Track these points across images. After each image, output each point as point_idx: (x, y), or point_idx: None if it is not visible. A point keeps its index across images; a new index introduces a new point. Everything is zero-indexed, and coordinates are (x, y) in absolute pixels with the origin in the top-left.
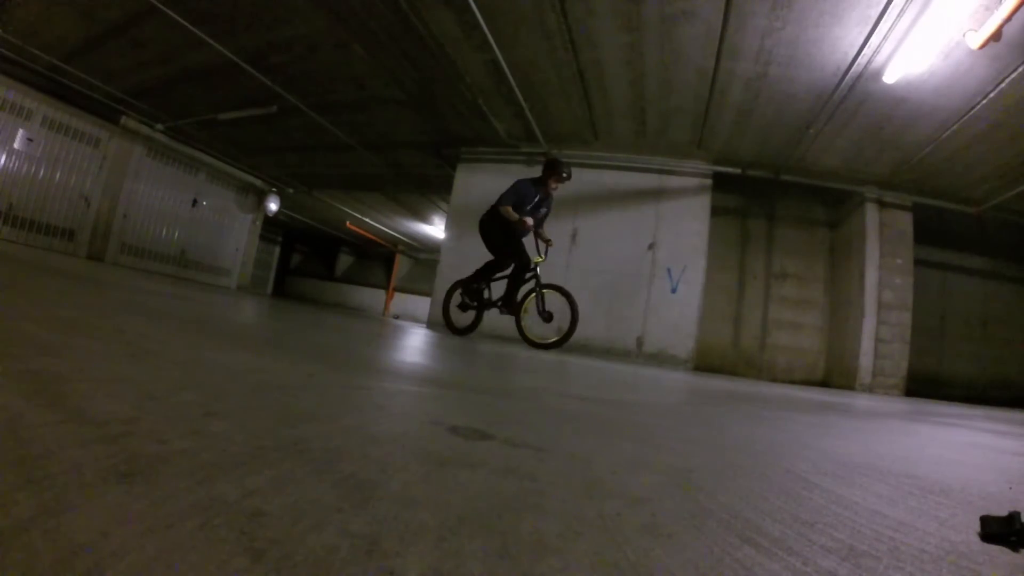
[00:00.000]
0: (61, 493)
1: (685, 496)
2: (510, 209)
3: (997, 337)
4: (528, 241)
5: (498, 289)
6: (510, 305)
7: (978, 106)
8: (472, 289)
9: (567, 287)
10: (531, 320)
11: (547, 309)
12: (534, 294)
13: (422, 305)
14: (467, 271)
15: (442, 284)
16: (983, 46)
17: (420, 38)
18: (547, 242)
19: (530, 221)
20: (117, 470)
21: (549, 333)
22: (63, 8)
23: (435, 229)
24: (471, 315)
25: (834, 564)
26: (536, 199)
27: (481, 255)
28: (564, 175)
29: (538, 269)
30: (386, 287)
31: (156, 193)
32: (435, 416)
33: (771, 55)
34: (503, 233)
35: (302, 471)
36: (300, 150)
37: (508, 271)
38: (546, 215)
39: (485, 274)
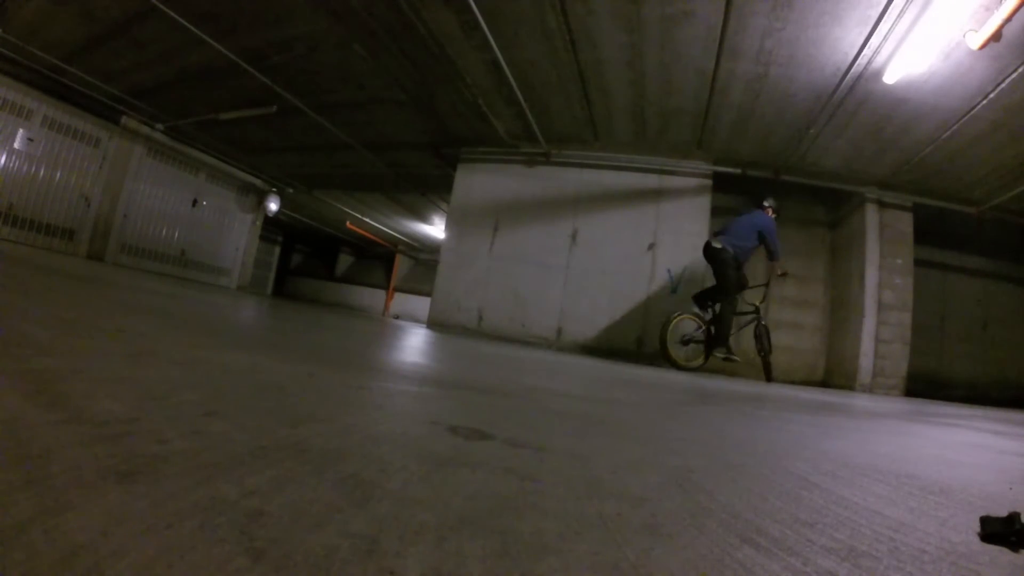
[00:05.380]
0: (61, 493)
1: (685, 496)
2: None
3: (997, 337)
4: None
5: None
6: (726, 340)
7: (978, 106)
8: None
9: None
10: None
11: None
12: (760, 336)
13: (422, 305)
14: (468, 271)
15: (443, 284)
16: (983, 46)
17: (420, 38)
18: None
19: (780, 269)
20: (117, 470)
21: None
22: (63, 8)
23: (435, 229)
24: (696, 351)
25: (834, 564)
26: None
27: (483, 254)
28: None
29: (760, 308)
30: (386, 287)
31: (156, 193)
32: (435, 416)
33: (771, 55)
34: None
35: (302, 471)
36: (300, 150)
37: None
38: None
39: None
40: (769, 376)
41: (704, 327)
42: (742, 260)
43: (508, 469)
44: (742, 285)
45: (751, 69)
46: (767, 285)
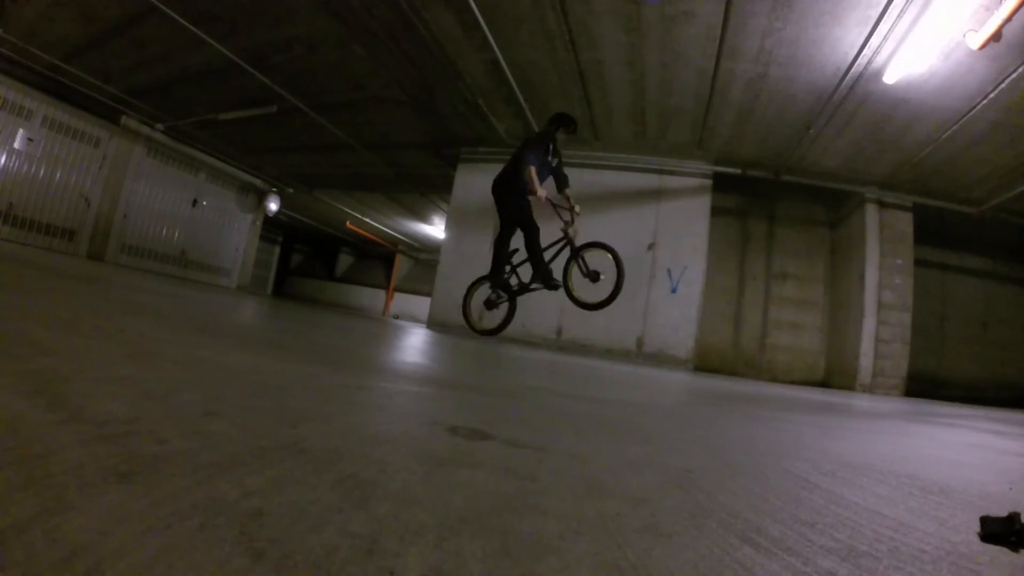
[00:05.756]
0: (61, 493)
1: (685, 496)
2: (533, 171)
3: (997, 337)
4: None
5: (524, 273)
6: (547, 276)
7: (978, 106)
8: (500, 281)
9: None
10: (577, 284)
11: (593, 270)
12: (574, 262)
13: (422, 305)
14: (468, 271)
15: (443, 284)
16: (983, 46)
17: (420, 38)
18: (571, 209)
19: (544, 193)
20: (117, 470)
21: (600, 293)
22: (63, 8)
23: (435, 229)
24: (501, 312)
25: (834, 564)
26: (546, 156)
27: (483, 254)
28: (572, 128)
29: (571, 234)
30: (386, 287)
31: (156, 193)
32: (435, 416)
33: (771, 55)
34: (520, 197)
35: (302, 471)
36: (300, 150)
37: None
38: (559, 168)
39: (503, 256)
40: (582, 304)
41: None
42: (509, 185)
43: (508, 469)
44: (521, 215)
45: (751, 69)
46: (567, 209)
